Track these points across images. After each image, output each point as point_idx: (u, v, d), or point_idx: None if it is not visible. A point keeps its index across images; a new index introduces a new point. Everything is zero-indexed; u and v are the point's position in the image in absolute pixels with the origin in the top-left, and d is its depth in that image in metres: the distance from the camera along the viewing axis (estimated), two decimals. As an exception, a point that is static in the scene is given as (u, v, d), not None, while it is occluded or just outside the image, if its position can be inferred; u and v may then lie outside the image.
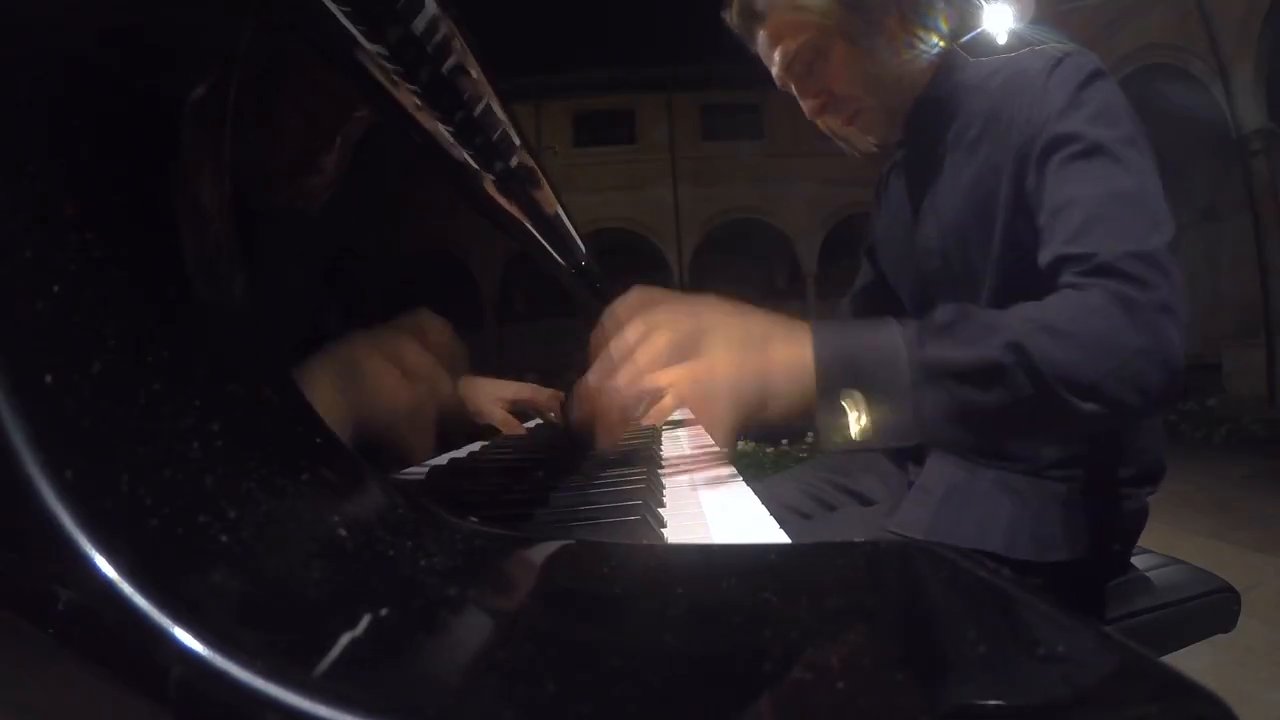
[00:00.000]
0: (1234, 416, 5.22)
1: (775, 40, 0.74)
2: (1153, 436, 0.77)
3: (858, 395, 0.51)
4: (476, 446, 0.67)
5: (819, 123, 0.80)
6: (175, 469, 0.18)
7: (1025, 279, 0.62)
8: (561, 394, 0.80)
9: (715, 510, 0.51)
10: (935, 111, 0.76)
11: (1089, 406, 0.52)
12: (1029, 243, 0.65)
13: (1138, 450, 0.75)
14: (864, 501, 0.91)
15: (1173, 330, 0.54)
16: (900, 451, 0.88)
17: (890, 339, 0.52)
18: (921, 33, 0.74)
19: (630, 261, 11.96)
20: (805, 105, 0.77)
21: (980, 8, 0.78)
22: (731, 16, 0.77)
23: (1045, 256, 0.60)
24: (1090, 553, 0.71)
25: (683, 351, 0.51)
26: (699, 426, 0.79)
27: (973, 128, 0.73)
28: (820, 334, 0.53)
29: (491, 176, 0.75)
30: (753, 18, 0.74)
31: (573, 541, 0.31)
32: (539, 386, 0.73)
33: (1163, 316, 0.53)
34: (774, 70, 0.76)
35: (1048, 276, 0.60)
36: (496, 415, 0.66)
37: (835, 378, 0.51)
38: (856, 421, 0.51)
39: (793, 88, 0.76)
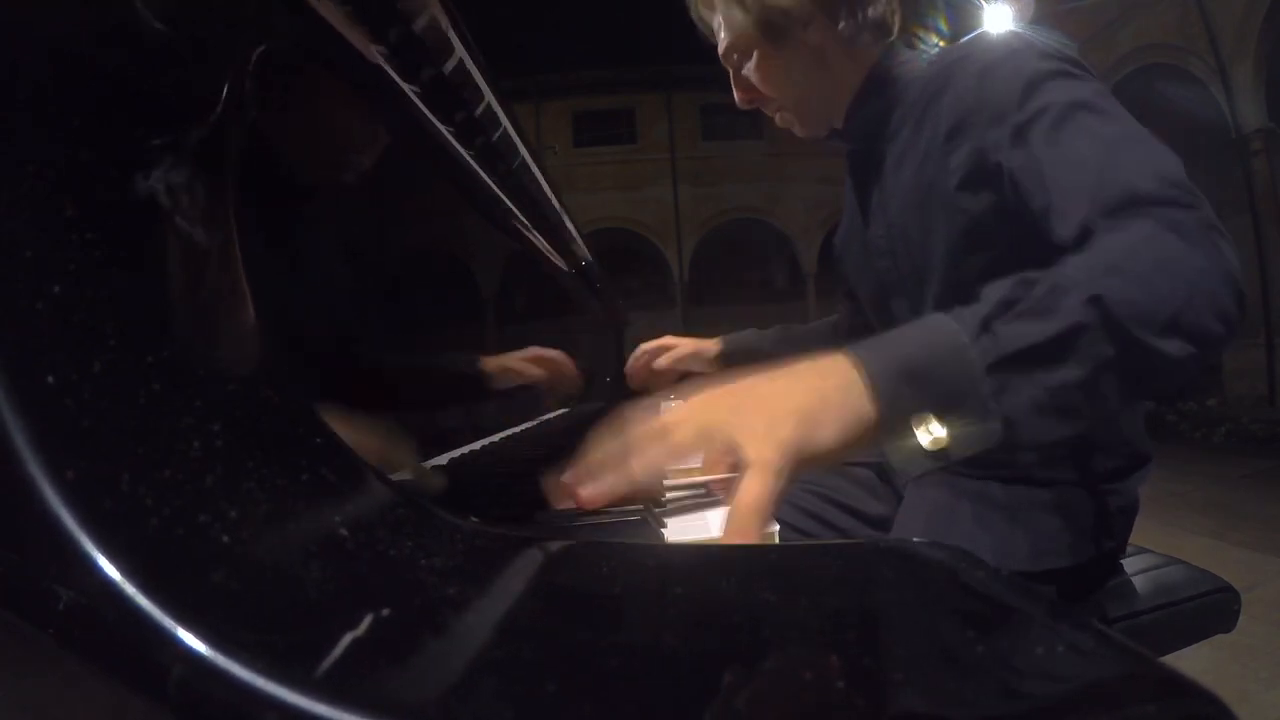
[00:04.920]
0: (1234, 416, 5.22)
1: (717, 39, 0.80)
2: (1132, 425, 0.76)
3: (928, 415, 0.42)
4: (477, 446, 0.67)
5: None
6: (175, 469, 0.18)
7: (978, 274, 0.52)
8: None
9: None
10: (870, 111, 0.77)
11: (1175, 345, 0.44)
12: (982, 234, 0.65)
13: (1120, 441, 0.74)
14: (860, 517, 0.92)
15: (1227, 247, 0.49)
16: (883, 470, 0.91)
17: (950, 339, 0.42)
18: (843, 42, 0.75)
19: (630, 261, 11.97)
20: (735, 96, 0.81)
21: (889, 21, 0.77)
22: (693, 18, 0.83)
23: (1070, 222, 0.53)
24: (1083, 554, 0.71)
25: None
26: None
27: (905, 124, 0.73)
28: (868, 354, 0.42)
29: (491, 176, 0.75)
30: (701, 20, 0.81)
31: (573, 541, 0.31)
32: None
33: (1214, 234, 0.48)
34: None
35: (1079, 242, 0.52)
36: (526, 370, 0.75)
37: (901, 403, 0.41)
38: (930, 441, 0.41)
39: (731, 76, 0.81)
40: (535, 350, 0.85)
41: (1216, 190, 7.59)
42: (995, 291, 0.44)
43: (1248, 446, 4.61)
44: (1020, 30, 0.71)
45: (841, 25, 0.74)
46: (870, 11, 0.74)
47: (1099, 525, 0.72)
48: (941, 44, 0.81)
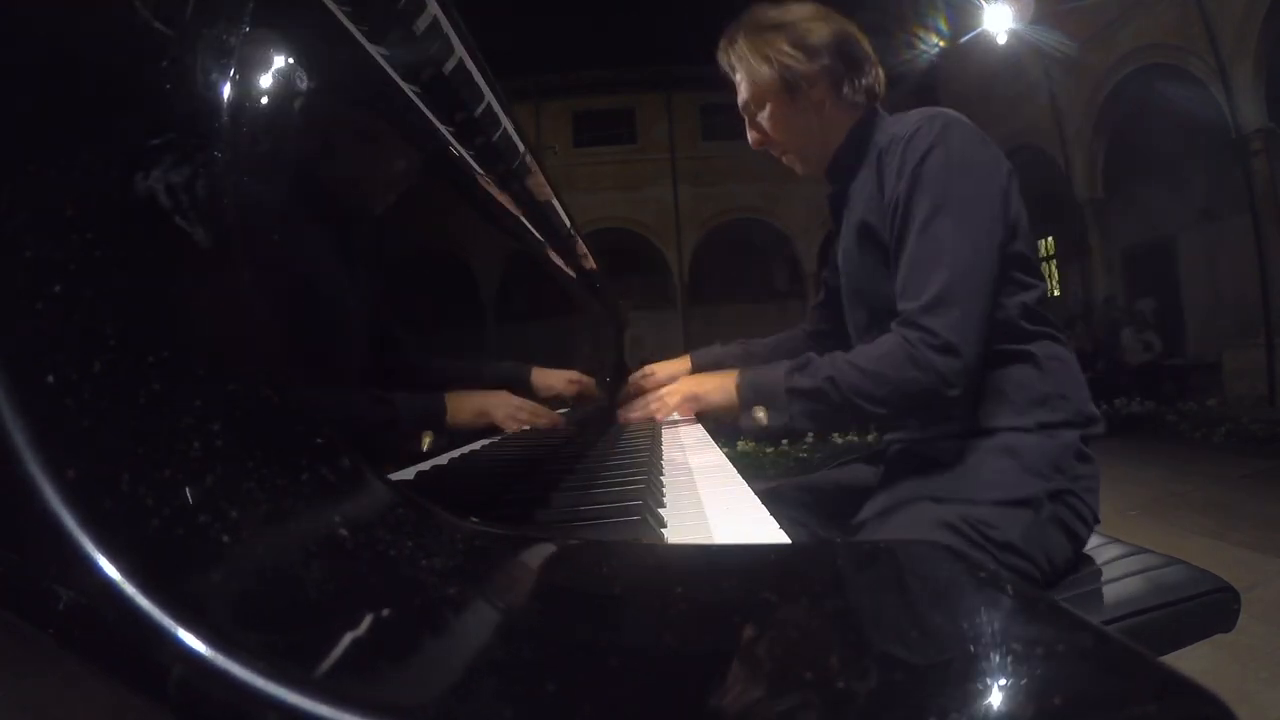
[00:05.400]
0: (1234, 416, 5.20)
1: (739, 85, 1.03)
2: (1066, 383, 0.91)
3: (761, 407, 0.94)
4: (478, 446, 0.67)
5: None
6: (175, 469, 0.18)
7: (890, 298, 0.90)
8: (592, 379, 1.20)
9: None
10: (846, 162, 1.01)
11: (879, 410, 0.87)
12: (882, 265, 0.94)
13: (1059, 397, 0.89)
14: (854, 493, 1.07)
15: (941, 362, 0.82)
16: (871, 455, 1.15)
17: (776, 376, 0.93)
18: (840, 102, 0.98)
19: (630, 261, 11.97)
20: (749, 136, 1.05)
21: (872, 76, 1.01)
22: (721, 59, 1.05)
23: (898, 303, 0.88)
24: (1034, 488, 0.84)
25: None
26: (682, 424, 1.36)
27: (862, 175, 0.98)
28: (742, 377, 0.97)
29: (492, 177, 0.75)
30: (729, 71, 1.03)
31: (573, 541, 0.31)
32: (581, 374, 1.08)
33: (935, 355, 0.83)
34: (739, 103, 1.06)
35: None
36: (570, 391, 0.98)
37: (748, 400, 0.96)
38: (763, 418, 0.94)
39: (746, 122, 1.05)
40: (572, 375, 1.03)
41: (1216, 190, 7.61)
42: (800, 360, 0.93)
43: (1248, 446, 4.61)
44: (947, 114, 0.92)
45: (844, 89, 0.97)
46: (864, 80, 0.98)
47: (1046, 460, 0.86)
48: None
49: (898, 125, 0.93)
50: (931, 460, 0.91)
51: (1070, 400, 0.89)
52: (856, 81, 0.97)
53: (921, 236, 0.85)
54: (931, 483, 0.89)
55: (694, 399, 1.03)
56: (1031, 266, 0.92)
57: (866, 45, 0.99)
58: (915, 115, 0.92)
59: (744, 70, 0.98)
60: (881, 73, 1.00)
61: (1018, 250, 0.89)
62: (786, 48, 0.95)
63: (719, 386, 0.99)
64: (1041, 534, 0.83)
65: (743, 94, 1.01)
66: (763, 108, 1.00)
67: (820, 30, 0.95)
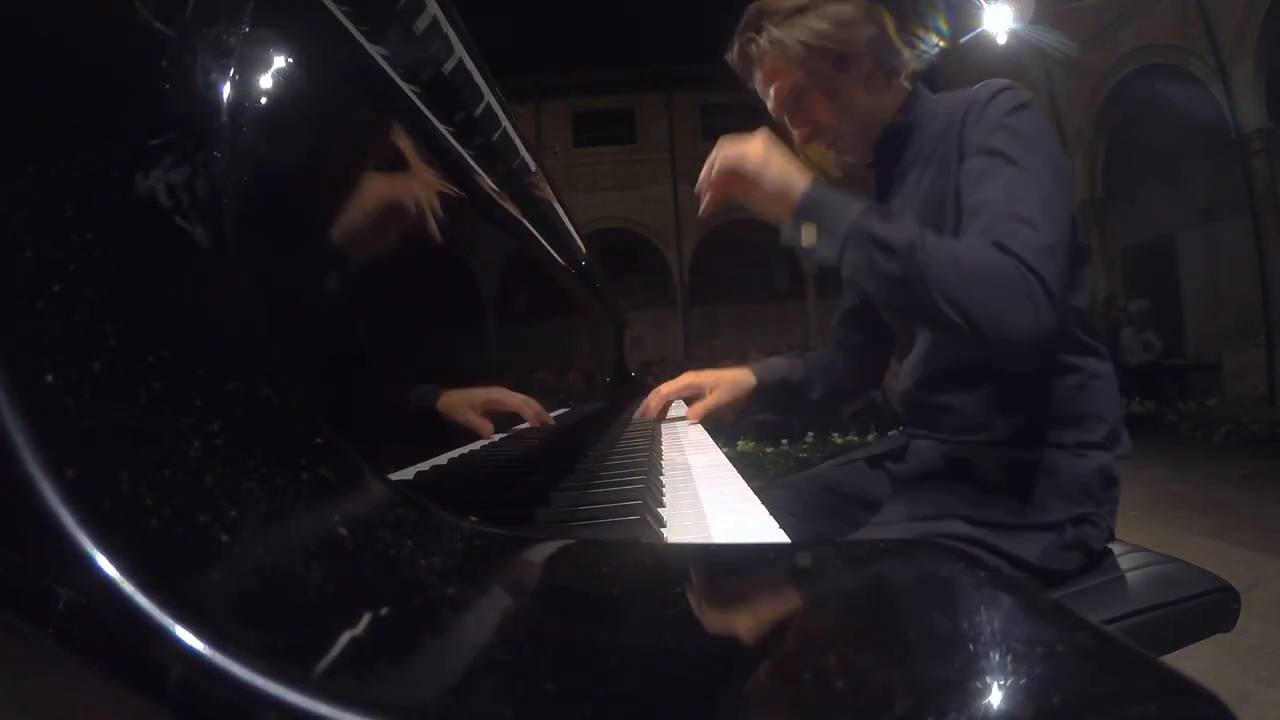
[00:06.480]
0: (1234, 416, 5.19)
1: (768, 81, 0.91)
2: (1105, 403, 0.86)
3: (813, 226, 0.78)
4: (477, 445, 0.67)
5: (808, 151, 0.97)
6: (175, 469, 0.18)
7: None
8: (534, 401, 0.79)
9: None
10: (899, 136, 0.92)
11: (944, 308, 0.70)
12: None
13: (1087, 414, 0.85)
14: (853, 501, 1.03)
15: (1041, 297, 0.68)
16: (875, 457, 1.06)
17: (849, 205, 0.77)
18: (885, 72, 0.91)
19: (630, 261, 11.97)
20: (795, 134, 0.94)
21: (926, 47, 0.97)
22: (732, 58, 0.93)
23: (968, 235, 0.76)
24: (1063, 512, 0.81)
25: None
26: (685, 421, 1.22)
27: (928, 146, 0.89)
28: (814, 185, 0.80)
29: (491, 176, 0.75)
30: (749, 61, 0.91)
31: (573, 541, 0.31)
32: (511, 392, 0.74)
33: (1037, 286, 0.69)
34: (769, 105, 0.93)
35: None
36: (473, 421, 0.65)
37: (803, 211, 0.79)
38: (807, 238, 0.79)
39: (786, 120, 0.94)
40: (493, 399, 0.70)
41: (1216, 190, 7.61)
42: (885, 211, 0.79)
43: (1248, 446, 4.61)
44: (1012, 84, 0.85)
45: (887, 60, 0.90)
46: (895, 62, 0.91)
47: (1077, 485, 0.82)
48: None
49: (967, 94, 0.86)
50: (963, 469, 0.86)
51: (1106, 423, 0.86)
52: (896, 57, 0.90)
53: (1018, 178, 0.75)
54: (963, 498, 0.84)
55: (743, 178, 0.83)
56: (1082, 264, 0.84)
57: (889, 19, 0.91)
58: (992, 82, 0.85)
59: (781, 58, 0.88)
60: (911, 60, 0.93)
61: (1078, 242, 0.80)
62: (824, 26, 0.86)
63: (782, 176, 0.80)
64: (1058, 554, 0.81)
65: (782, 87, 0.90)
66: (808, 94, 0.90)
67: (845, 6, 0.88)
